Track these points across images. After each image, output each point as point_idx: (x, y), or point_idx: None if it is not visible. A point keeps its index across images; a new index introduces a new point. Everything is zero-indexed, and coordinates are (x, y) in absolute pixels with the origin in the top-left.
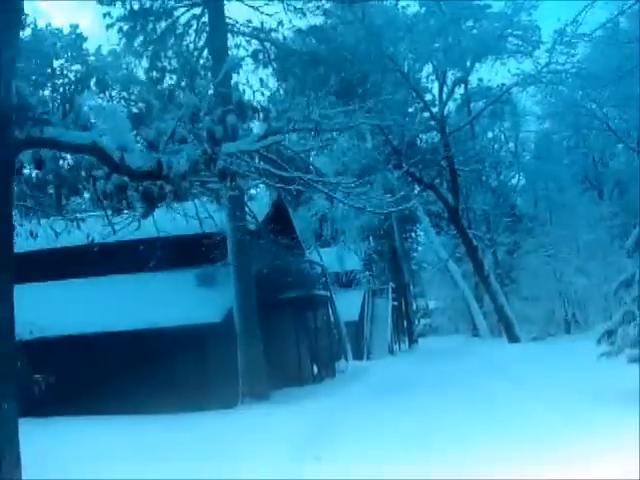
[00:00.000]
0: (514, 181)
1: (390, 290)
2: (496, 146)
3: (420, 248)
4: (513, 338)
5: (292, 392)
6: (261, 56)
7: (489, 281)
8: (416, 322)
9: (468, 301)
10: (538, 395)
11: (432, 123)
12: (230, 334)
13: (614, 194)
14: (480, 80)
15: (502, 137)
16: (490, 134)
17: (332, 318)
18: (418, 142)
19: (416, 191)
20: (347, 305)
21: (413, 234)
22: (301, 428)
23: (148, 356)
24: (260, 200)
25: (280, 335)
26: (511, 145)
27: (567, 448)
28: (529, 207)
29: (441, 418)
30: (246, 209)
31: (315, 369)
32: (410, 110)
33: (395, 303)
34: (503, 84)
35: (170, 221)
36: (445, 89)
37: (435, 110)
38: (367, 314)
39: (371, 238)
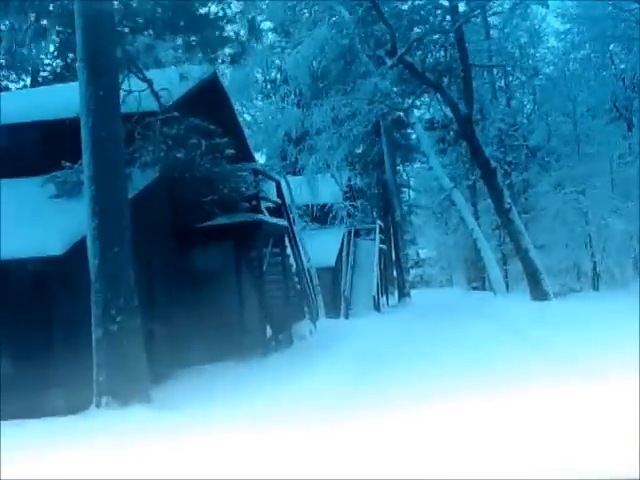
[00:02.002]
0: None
1: (377, 230)
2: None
3: (414, 181)
4: (539, 294)
5: (205, 376)
6: None
7: (510, 217)
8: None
9: (478, 244)
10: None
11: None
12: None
13: None
14: None
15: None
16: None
17: (295, 260)
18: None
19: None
20: (321, 246)
21: (406, 166)
22: None
23: None
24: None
25: (205, 283)
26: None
27: None
28: (543, 139)
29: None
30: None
31: (268, 333)
32: None
33: (383, 246)
34: None
35: None
36: None
37: None
38: (347, 259)
39: (357, 167)
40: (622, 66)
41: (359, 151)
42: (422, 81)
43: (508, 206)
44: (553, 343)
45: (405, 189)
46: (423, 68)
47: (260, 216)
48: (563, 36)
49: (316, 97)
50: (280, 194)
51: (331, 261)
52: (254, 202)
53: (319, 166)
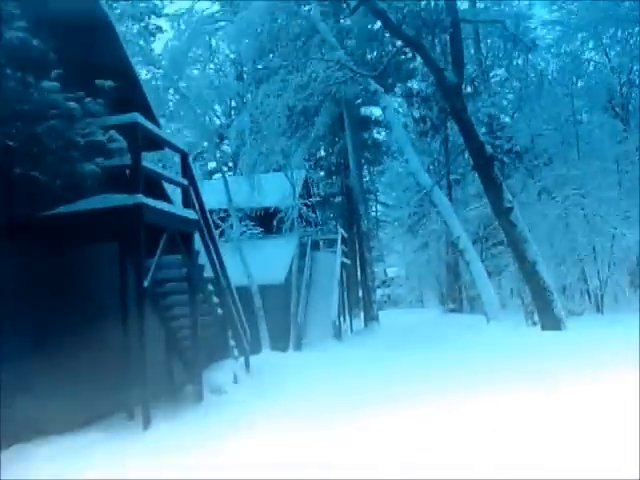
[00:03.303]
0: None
1: (340, 240)
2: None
3: (383, 187)
4: (550, 321)
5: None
6: None
7: (512, 219)
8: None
9: (466, 256)
10: None
11: None
12: None
13: None
14: None
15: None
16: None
17: (214, 273)
18: None
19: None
20: (267, 259)
21: (373, 174)
22: None
23: None
24: None
25: (63, 304)
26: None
27: None
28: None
29: None
30: None
31: (177, 378)
32: None
33: (347, 261)
34: None
35: None
36: None
37: None
38: (302, 275)
39: (317, 169)
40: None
41: (320, 152)
42: (397, 36)
43: (509, 205)
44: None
45: (372, 198)
46: (399, 19)
47: (138, 197)
48: (550, 27)
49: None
50: (188, 172)
51: (280, 277)
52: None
53: (264, 156)
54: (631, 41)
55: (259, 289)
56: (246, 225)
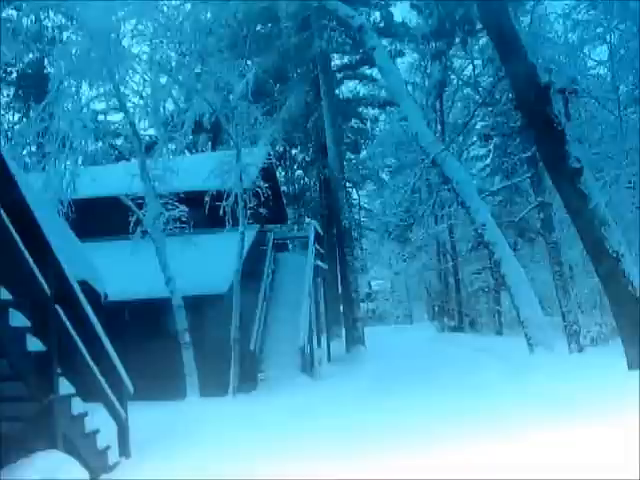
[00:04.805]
0: None
1: (313, 238)
2: None
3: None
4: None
5: None
6: None
7: (580, 187)
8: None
9: (496, 253)
10: None
11: None
12: None
13: None
14: None
15: None
16: None
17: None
18: None
19: None
20: (205, 260)
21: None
22: None
23: None
24: None
25: None
26: None
27: None
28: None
29: None
30: None
31: None
32: None
33: (323, 265)
34: None
35: None
36: None
37: None
38: (259, 283)
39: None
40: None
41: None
42: None
43: (577, 165)
44: None
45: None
46: None
47: None
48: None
49: None
50: None
51: (221, 286)
52: None
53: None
54: None
55: (188, 302)
56: (168, 210)
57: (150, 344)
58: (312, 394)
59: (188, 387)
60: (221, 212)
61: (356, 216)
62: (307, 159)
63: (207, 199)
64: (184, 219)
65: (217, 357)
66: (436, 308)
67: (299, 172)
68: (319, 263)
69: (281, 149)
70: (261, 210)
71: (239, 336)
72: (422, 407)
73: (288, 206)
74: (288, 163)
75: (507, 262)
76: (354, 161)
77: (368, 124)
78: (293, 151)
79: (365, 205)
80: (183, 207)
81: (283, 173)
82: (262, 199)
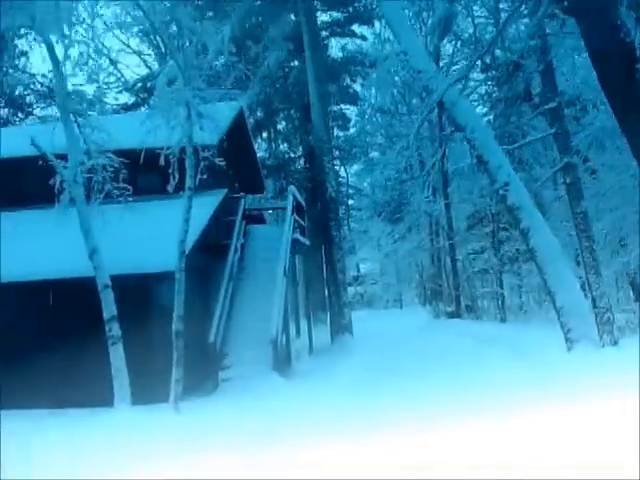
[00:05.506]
0: None
1: (291, 208)
2: None
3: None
4: None
5: None
6: None
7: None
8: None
9: (522, 220)
10: None
11: None
12: None
13: None
14: None
15: None
16: None
17: None
18: None
19: None
20: (151, 232)
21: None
22: None
23: None
24: None
25: None
26: None
27: None
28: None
29: None
30: None
31: None
32: None
33: (304, 240)
34: None
35: None
36: None
37: None
38: (224, 260)
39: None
40: None
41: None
42: None
43: None
44: None
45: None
46: None
47: None
48: None
49: None
50: None
51: (170, 263)
52: None
53: None
54: None
55: (121, 282)
56: (108, 170)
57: (67, 337)
58: (281, 401)
59: (116, 393)
60: (170, 171)
61: (345, 195)
62: (289, 126)
63: (153, 158)
64: (124, 179)
65: (161, 354)
66: (428, 292)
67: (283, 146)
68: (299, 237)
69: (262, 115)
70: (230, 172)
71: (183, 328)
72: (425, 428)
73: (269, 178)
74: (272, 136)
75: (537, 232)
76: (342, 139)
77: (358, 84)
78: (275, 119)
79: (353, 184)
80: (113, 156)
81: (265, 145)
82: (228, 159)
